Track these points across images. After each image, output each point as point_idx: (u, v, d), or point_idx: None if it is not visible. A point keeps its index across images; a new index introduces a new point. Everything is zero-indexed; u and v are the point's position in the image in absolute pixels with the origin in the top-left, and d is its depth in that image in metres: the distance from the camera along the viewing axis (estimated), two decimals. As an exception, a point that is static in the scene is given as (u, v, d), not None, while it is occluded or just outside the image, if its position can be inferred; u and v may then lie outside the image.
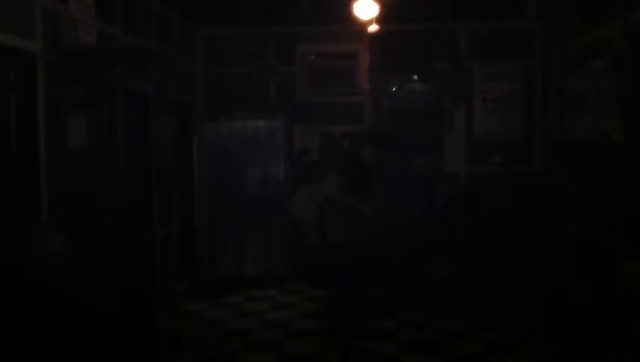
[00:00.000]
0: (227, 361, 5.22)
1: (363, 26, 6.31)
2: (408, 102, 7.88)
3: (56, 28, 4.35)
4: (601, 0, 5.74)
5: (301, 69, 7.98)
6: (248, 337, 5.76)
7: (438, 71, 7.82)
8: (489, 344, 5.48)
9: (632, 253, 4.93)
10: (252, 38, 7.99)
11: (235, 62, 7.97)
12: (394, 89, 7.89)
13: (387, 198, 5.58)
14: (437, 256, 7.49)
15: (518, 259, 6.87)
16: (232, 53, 8.00)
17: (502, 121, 7.77)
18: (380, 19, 6.11)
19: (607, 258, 5.40)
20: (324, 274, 5.52)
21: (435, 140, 7.87)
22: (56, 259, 3.19)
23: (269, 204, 7.87)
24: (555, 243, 6.70)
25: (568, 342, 5.38)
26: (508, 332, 5.75)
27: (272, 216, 7.88)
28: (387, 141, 5.49)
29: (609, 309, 5.24)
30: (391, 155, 5.48)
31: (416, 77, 7.84)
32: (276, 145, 7.91)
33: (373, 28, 6.28)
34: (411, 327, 5.98)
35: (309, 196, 5.85)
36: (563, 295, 6.12)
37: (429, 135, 7.87)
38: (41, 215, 4.09)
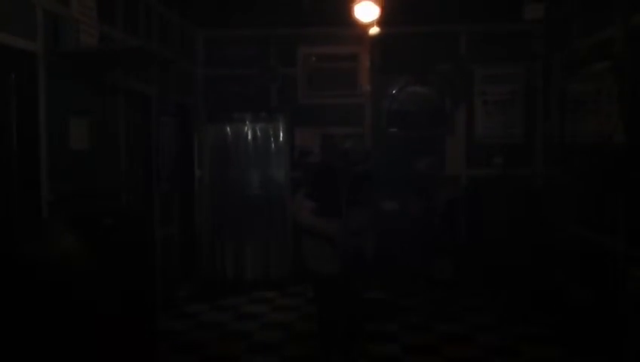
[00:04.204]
0: (228, 363, 5.22)
1: (364, 28, 6.32)
2: (409, 105, 7.88)
3: (57, 29, 4.35)
4: (603, 2, 5.74)
5: (302, 70, 7.99)
6: (248, 339, 5.75)
7: (438, 73, 7.82)
8: (491, 346, 5.47)
9: (634, 256, 4.92)
10: (253, 39, 7.99)
11: (236, 63, 7.98)
12: (395, 91, 7.89)
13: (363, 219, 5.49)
14: (439, 258, 7.48)
15: (519, 261, 6.87)
16: (233, 55, 8.01)
17: (503, 123, 7.77)
18: (380, 22, 6.12)
19: (608, 260, 5.39)
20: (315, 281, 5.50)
21: (436, 142, 7.87)
22: (56, 259, 3.18)
23: (270, 205, 7.87)
24: (556, 246, 6.69)
25: (570, 345, 5.37)
26: (509, 334, 5.74)
27: (273, 217, 7.87)
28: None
29: (610, 312, 5.23)
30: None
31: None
32: (277, 147, 7.91)
33: (374, 30, 6.29)
34: (412, 329, 5.97)
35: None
36: (564, 297, 6.11)
37: (430, 137, 7.87)
38: (41, 215, 4.08)
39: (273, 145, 7.90)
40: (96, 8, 4.83)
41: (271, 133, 7.89)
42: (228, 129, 7.91)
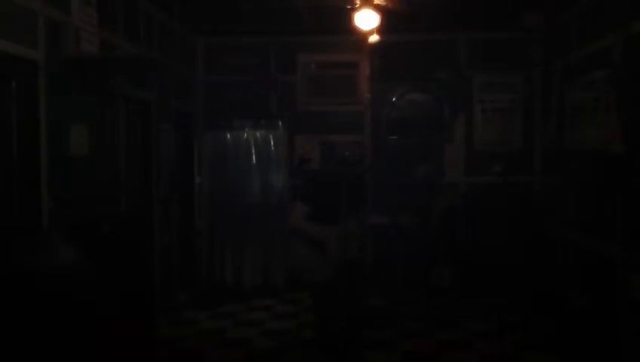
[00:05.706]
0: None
1: (363, 36, 6.35)
2: (408, 112, 7.91)
3: (58, 37, 4.37)
4: (602, 11, 5.77)
5: (302, 78, 8.01)
6: (248, 346, 5.75)
7: (438, 80, 7.84)
8: (489, 354, 5.47)
9: (632, 263, 4.93)
10: (253, 47, 8.02)
11: (236, 71, 8.01)
12: (394, 99, 7.92)
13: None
14: (437, 265, 7.49)
15: (518, 268, 6.87)
16: (233, 62, 8.03)
17: (502, 131, 7.79)
18: (380, 30, 6.15)
19: (607, 268, 5.39)
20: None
21: (436, 150, 7.89)
22: (56, 268, 3.19)
23: (270, 212, 7.87)
24: (555, 253, 6.69)
25: (569, 353, 5.37)
26: (508, 341, 5.74)
27: (272, 224, 7.87)
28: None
29: (609, 319, 5.23)
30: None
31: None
32: (277, 154, 7.92)
33: (373, 38, 6.32)
34: (411, 337, 5.97)
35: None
36: (563, 304, 6.11)
37: (430, 144, 7.89)
38: (41, 222, 4.09)
39: (273, 152, 7.91)
40: (97, 15, 4.85)
41: (271, 140, 7.90)
42: (228, 136, 7.92)
